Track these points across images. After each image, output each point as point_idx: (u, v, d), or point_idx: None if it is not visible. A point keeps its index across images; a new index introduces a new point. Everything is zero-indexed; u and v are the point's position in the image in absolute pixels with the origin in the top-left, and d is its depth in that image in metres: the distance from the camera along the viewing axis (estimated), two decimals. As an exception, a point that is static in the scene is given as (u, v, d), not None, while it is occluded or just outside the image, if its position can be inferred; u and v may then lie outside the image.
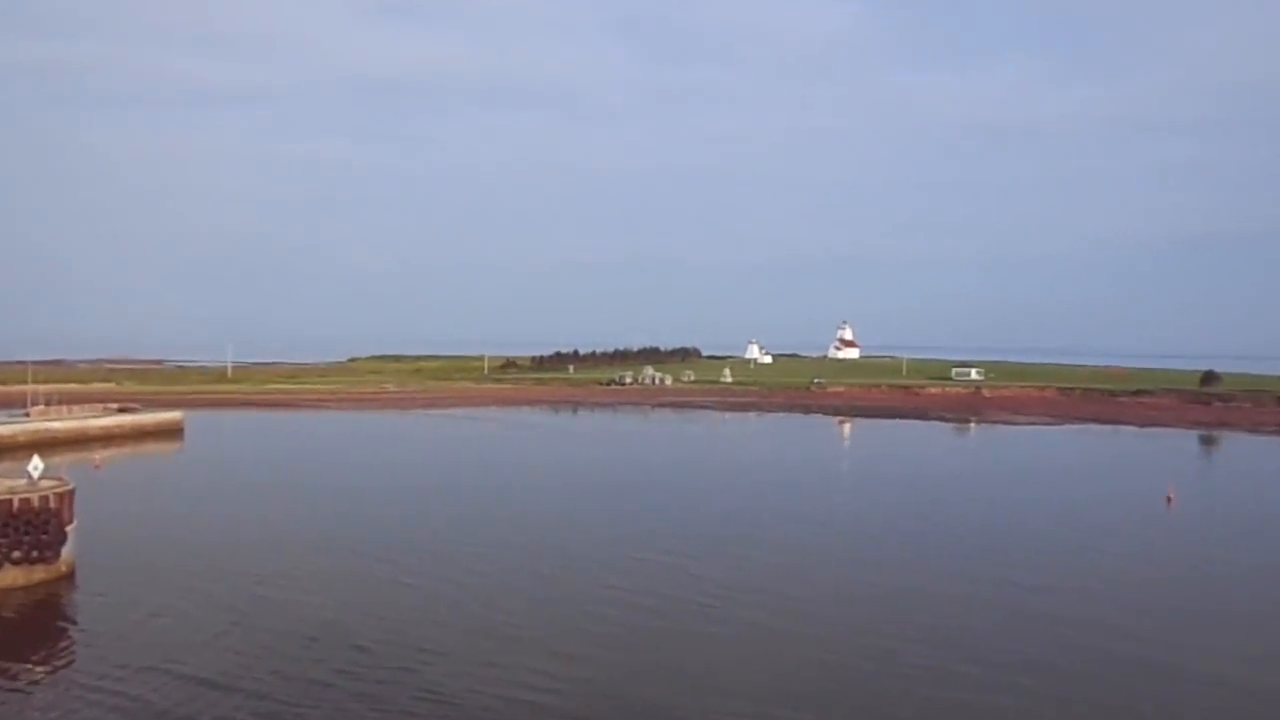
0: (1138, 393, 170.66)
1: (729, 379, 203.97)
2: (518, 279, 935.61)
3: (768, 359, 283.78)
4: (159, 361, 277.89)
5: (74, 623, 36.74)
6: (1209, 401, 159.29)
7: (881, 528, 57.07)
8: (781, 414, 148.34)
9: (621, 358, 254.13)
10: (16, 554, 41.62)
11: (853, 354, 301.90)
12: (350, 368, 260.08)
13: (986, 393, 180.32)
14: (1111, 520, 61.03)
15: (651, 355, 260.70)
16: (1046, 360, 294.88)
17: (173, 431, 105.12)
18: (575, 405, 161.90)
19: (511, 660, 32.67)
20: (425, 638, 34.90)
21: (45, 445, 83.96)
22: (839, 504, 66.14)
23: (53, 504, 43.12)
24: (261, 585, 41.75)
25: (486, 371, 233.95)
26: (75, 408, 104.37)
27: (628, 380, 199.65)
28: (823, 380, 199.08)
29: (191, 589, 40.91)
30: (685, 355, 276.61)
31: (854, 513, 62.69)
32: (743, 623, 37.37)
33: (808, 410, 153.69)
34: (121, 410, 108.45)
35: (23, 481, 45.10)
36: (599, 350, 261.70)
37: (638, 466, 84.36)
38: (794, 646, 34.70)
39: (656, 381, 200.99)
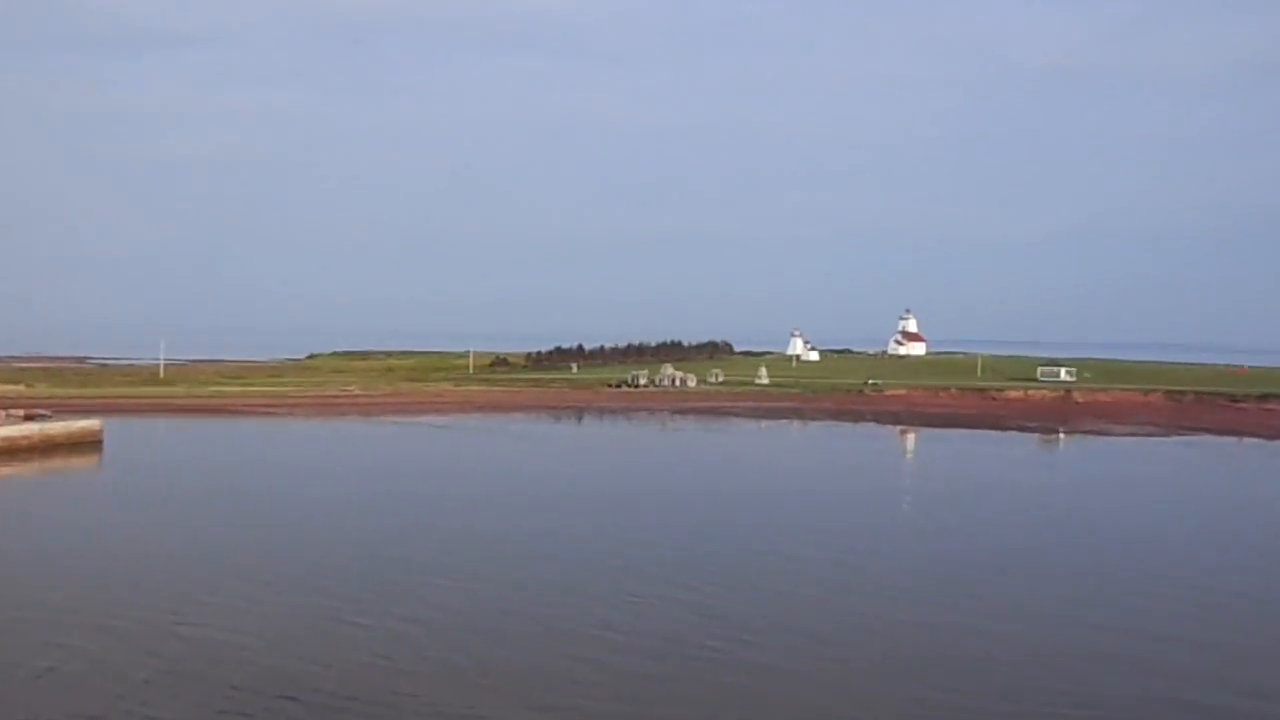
0: (1264, 397, 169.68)
1: (765, 380, 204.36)
2: (511, 258, 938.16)
3: (814, 356, 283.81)
4: (80, 359, 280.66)
5: (-39, 670, 37.30)
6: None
7: (936, 558, 57.23)
8: (828, 423, 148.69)
9: (636, 354, 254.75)
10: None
11: (917, 350, 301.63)
12: (309, 366, 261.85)
13: (1079, 397, 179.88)
14: (1222, 552, 60.96)
15: (672, 351, 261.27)
16: (1153, 358, 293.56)
17: (89, 443, 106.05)
18: (579, 411, 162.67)
19: (481, 713, 33.08)
20: (382, 687, 35.32)
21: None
22: (887, 529, 66.32)
23: (-62, 527, 43.73)
24: (188, 625, 42.31)
25: (472, 370, 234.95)
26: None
27: (642, 381, 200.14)
28: (879, 382, 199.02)
29: (103, 629, 41.50)
30: (714, 351, 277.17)
31: (904, 540, 62.85)
32: (759, 668, 37.65)
33: (859, 418, 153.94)
34: (28, 418, 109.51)
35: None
36: (608, 345, 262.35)
37: (647, 485, 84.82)
38: (818, 695, 34.96)
39: (677, 383, 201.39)
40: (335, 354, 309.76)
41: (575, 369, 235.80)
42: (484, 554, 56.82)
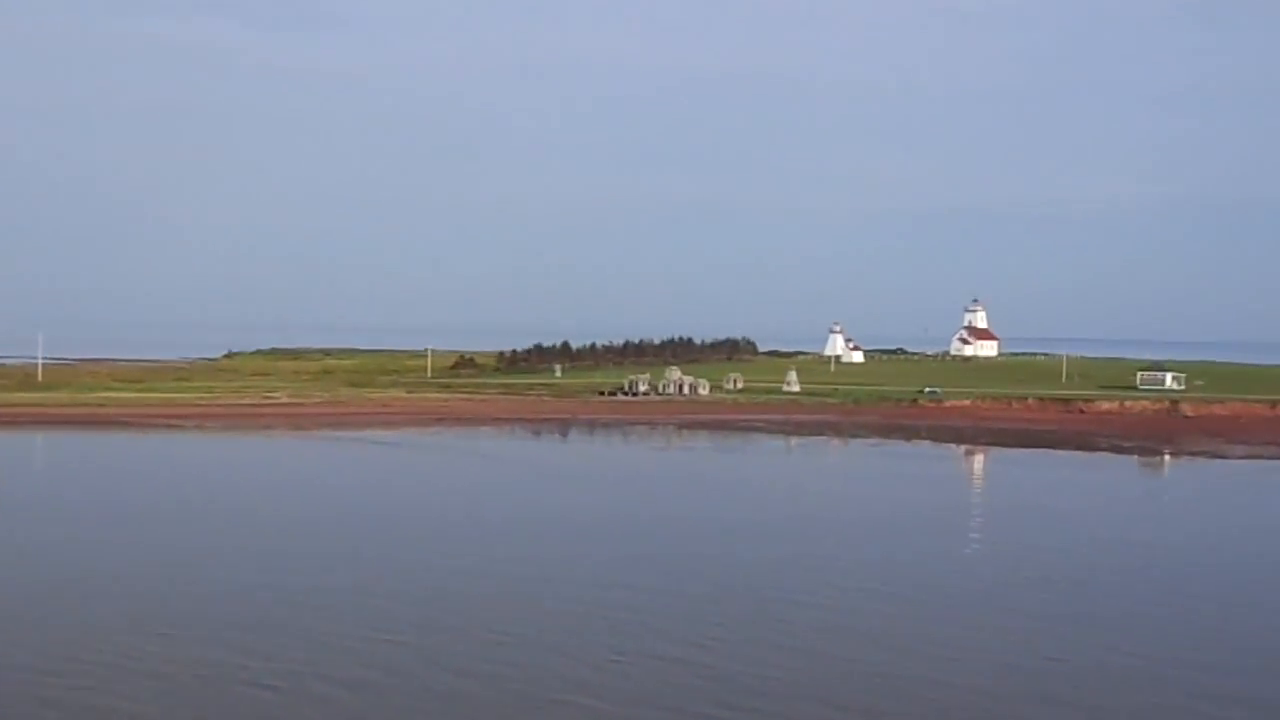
0: None
1: (795, 387, 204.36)
2: (481, 235, 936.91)
3: (857, 357, 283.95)
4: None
5: None
6: None
7: (997, 610, 56.99)
8: (874, 440, 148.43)
9: (635, 354, 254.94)
10: None
11: (988, 350, 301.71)
12: (226, 367, 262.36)
13: (1188, 409, 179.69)
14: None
15: (681, 350, 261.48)
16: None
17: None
18: (563, 425, 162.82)
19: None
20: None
21: None
22: (940, 575, 66.05)
23: None
24: (66, 688, 42.13)
25: (430, 373, 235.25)
26: None
27: (643, 388, 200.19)
28: (938, 390, 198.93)
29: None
30: (732, 351, 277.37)
31: (960, 589, 62.57)
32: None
33: (912, 435, 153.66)
34: None
35: None
36: (601, 343, 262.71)
37: (644, 517, 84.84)
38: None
39: (686, 390, 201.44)
40: (259, 352, 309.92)
41: (559, 372, 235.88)
42: (434, 600, 56.69)
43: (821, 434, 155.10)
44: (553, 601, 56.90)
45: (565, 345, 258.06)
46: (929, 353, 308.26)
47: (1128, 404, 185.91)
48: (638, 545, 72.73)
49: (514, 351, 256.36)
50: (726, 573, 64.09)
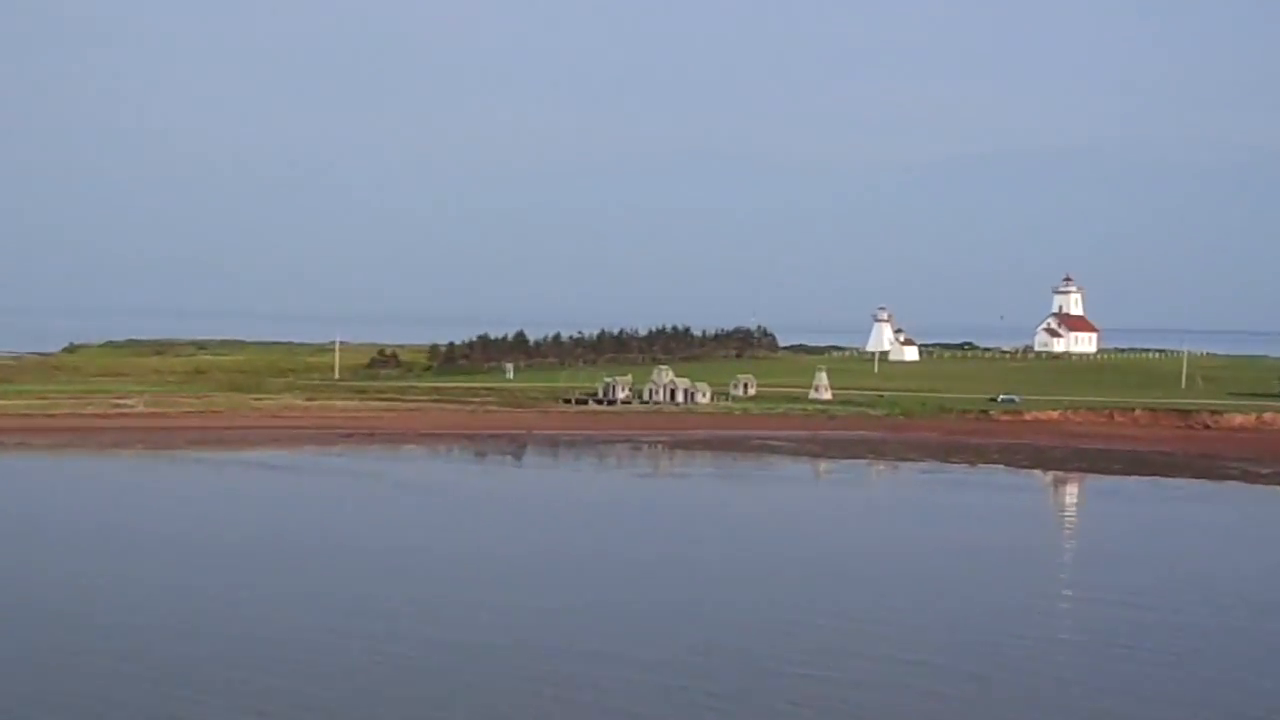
0: None
1: (825, 393, 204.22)
2: (410, 191, 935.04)
3: (910, 354, 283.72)
4: None
5: None
6: None
7: (1078, 690, 57.00)
8: (930, 464, 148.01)
9: (613, 348, 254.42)
10: None
11: (1083, 344, 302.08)
12: (65, 365, 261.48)
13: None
14: None
15: (675, 344, 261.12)
16: None
17: None
18: (516, 443, 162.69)
19: None
20: None
21: None
22: (1008, 662, 65.89)
23: None
24: None
25: (339, 374, 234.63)
26: None
27: (621, 394, 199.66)
28: (1017, 398, 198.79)
29: None
30: (743, 345, 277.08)
31: (1036, 686, 62.37)
32: None
33: (980, 457, 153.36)
34: None
35: None
36: (567, 334, 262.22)
37: (623, 570, 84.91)
38: None
39: (680, 397, 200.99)
40: (111, 345, 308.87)
41: (511, 373, 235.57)
42: (319, 673, 56.27)
43: (859, 456, 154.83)
44: (481, 672, 56.91)
45: (520, 337, 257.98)
46: (1005, 349, 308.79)
47: (1267, 417, 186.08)
48: (600, 597, 73.02)
49: (451, 346, 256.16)
50: (716, 634, 64.13)
